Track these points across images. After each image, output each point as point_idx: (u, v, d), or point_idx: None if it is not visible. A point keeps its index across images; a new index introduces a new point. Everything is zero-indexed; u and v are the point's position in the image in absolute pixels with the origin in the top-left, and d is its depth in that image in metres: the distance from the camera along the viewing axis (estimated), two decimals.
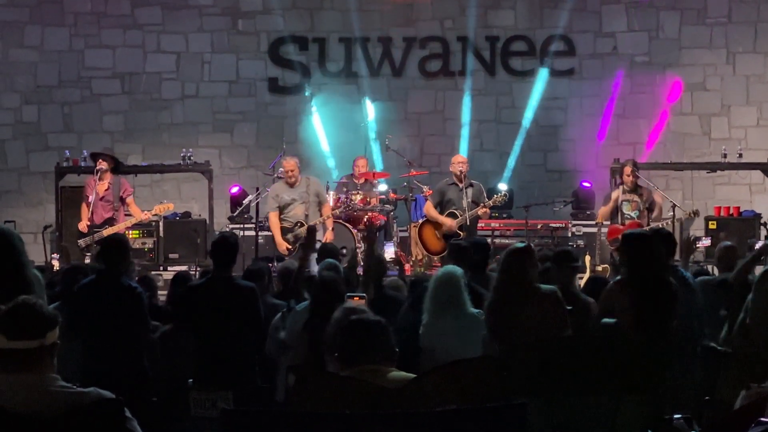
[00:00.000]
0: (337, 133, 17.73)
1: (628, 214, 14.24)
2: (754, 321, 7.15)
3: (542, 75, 18.09)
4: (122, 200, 13.98)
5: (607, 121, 18.05)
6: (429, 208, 14.58)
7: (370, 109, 17.62)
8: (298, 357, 7.57)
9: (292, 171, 14.00)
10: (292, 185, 13.99)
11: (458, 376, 5.16)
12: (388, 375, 5.11)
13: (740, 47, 18.04)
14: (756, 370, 6.79)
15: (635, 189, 14.42)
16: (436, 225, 14.42)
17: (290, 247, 13.76)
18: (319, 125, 17.87)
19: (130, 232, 15.10)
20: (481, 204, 14.31)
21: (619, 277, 7.65)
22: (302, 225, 13.63)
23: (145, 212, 13.95)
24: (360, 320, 5.41)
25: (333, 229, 14.10)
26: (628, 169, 14.48)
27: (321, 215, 13.94)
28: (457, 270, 8.14)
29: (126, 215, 13.94)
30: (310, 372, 5.94)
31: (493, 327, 7.56)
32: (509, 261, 7.65)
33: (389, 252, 15.08)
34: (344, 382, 5.04)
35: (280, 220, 13.95)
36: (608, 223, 14.62)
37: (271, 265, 11.80)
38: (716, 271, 10.62)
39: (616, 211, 14.40)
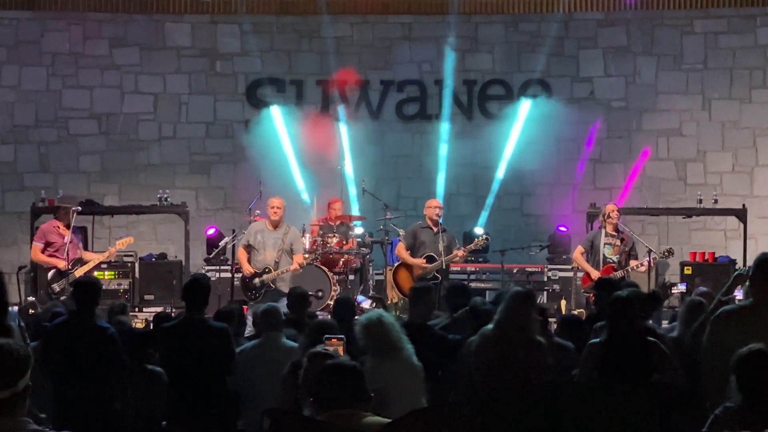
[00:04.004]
0: (313, 175, 17.67)
1: (610, 258, 13.80)
2: (704, 361, 6.84)
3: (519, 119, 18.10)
4: None
5: (584, 166, 18.09)
6: (400, 250, 14.22)
7: (347, 152, 17.60)
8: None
9: (278, 208, 13.51)
10: (275, 226, 13.56)
11: (434, 422, 5.14)
12: (363, 419, 5.08)
13: (716, 93, 18.11)
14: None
15: (616, 232, 13.99)
16: (411, 268, 14.11)
17: (255, 272, 13.42)
18: (295, 167, 17.82)
19: (106, 273, 15.08)
20: (462, 248, 14.19)
21: (599, 339, 7.58)
22: (270, 271, 13.39)
23: (108, 250, 13.98)
24: (335, 364, 5.39)
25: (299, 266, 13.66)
26: (616, 210, 14.06)
27: (292, 262, 13.51)
28: (388, 315, 7.76)
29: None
30: (286, 416, 5.89)
31: (481, 365, 7.51)
32: (514, 303, 7.61)
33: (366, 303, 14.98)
34: (321, 427, 5.01)
35: (249, 261, 13.56)
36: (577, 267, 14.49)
37: (246, 308, 11.77)
38: None
39: (591, 252, 14.02)
